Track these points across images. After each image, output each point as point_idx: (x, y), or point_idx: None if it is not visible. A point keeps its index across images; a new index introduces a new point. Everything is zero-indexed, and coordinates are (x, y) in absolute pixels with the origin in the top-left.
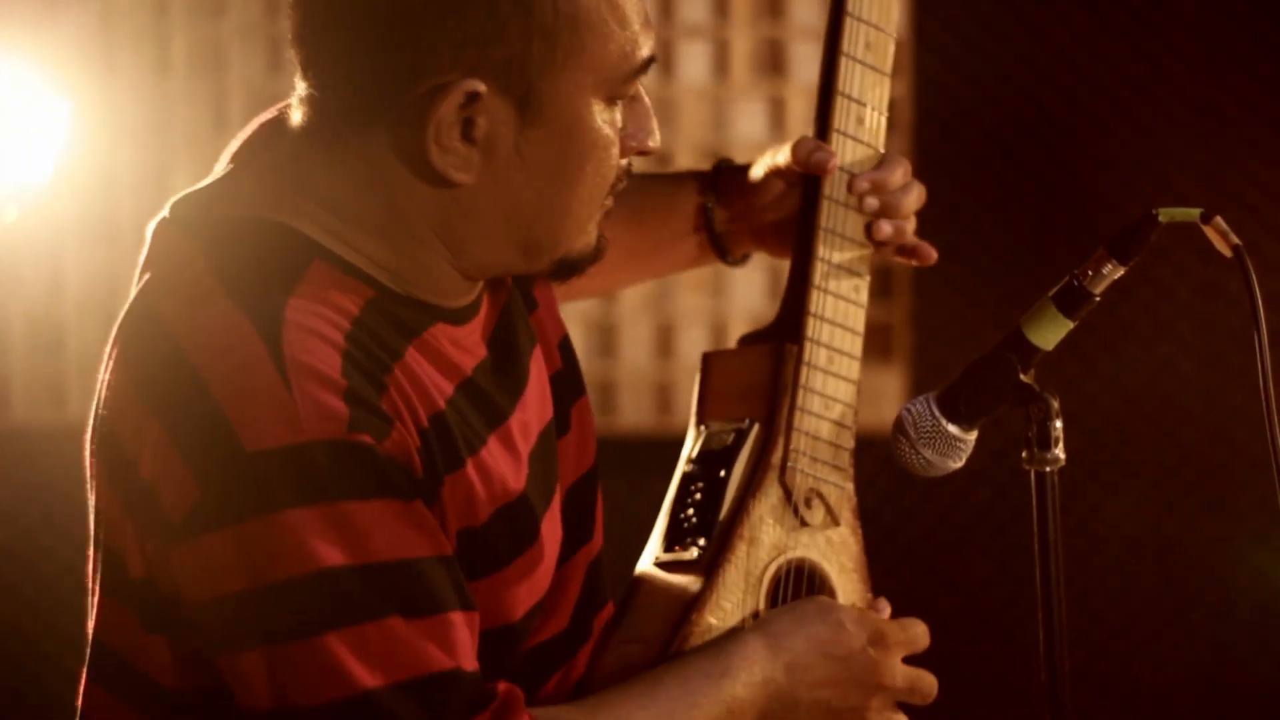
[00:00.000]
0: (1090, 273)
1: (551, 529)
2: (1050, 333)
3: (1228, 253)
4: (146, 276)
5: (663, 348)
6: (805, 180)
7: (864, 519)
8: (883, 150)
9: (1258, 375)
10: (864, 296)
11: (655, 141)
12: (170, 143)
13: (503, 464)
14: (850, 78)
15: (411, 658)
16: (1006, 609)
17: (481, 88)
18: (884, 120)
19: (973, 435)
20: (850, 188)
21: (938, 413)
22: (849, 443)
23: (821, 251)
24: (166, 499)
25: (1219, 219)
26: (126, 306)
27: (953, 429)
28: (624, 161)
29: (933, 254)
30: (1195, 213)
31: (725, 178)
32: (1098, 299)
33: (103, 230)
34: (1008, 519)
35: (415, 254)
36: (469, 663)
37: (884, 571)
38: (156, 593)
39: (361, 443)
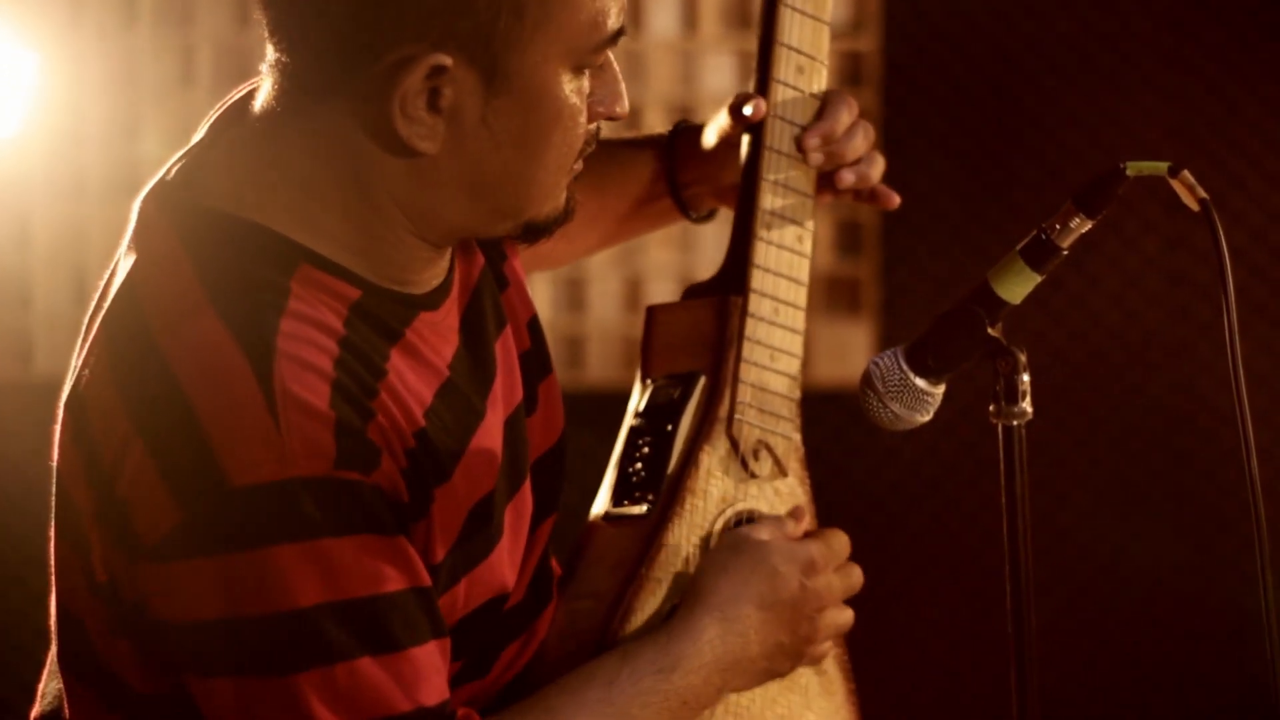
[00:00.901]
0: (1058, 226)
1: (520, 514)
2: (1018, 286)
3: (1195, 206)
4: (131, 260)
5: (631, 302)
6: (748, 133)
7: (832, 473)
8: (821, 95)
9: (1224, 328)
10: (807, 247)
11: (623, 108)
12: (138, 96)
13: (482, 462)
14: (790, 27)
15: (377, 699)
16: (974, 562)
17: (448, 61)
18: (824, 70)
19: (940, 389)
20: (799, 145)
21: (905, 367)
22: (795, 393)
23: (764, 203)
24: (141, 519)
25: (1186, 173)
26: (114, 291)
27: (920, 383)
28: (592, 126)
29: (894, 198)
30: (1163, 166)
31: (683, 140)
32: (1065, 252)
33: (70, 184)
34: (976, 473)
35: (382, 232)
36: (434, 696)
37: (851, 524)
38: (119, 600)
39: (347, 479)
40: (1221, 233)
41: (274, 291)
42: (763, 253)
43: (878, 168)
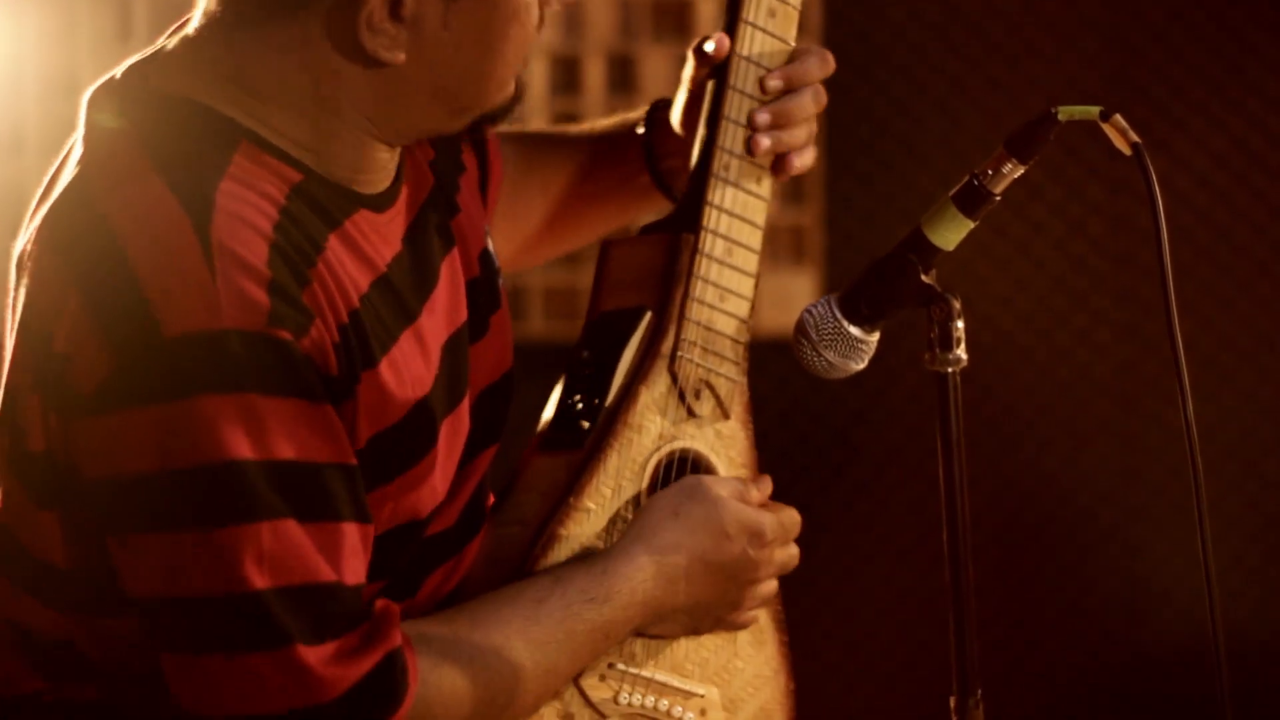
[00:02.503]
0: (990, 172)
1: (455, 430)
2: (951, 233)
3: (1127, 151)
4: (79, 148)
5: None
6: (713, 77)
7: (777, 421)
8: (793, 43)
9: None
10: (766, 190)
11: None
12: (76, 50)
13: (413, 363)
14: None
15: (300, 564)
16: (917, 509)
17: None
18: (796, 15)
19: (874, 337)
20: (763, 87)
21: (839, 314)
22: (744, 336)
23: (724, 141)
24: (78, 371)
25: (1118, 117)
26: (63, 173)
27: (854, 330)
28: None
29: (794, 165)
30: (1094, 110)
31: (659, 115)
32: (998, 198)
33: (8, 139)
34: (920, 420)
35: (338, 132)
36: (353, 576)
37: (796, 473)
38: (53, 467)
39: (279, 338)
40: (1154, 177)
41: (217, 156)
42: (718, 191)
43: (809, 157)
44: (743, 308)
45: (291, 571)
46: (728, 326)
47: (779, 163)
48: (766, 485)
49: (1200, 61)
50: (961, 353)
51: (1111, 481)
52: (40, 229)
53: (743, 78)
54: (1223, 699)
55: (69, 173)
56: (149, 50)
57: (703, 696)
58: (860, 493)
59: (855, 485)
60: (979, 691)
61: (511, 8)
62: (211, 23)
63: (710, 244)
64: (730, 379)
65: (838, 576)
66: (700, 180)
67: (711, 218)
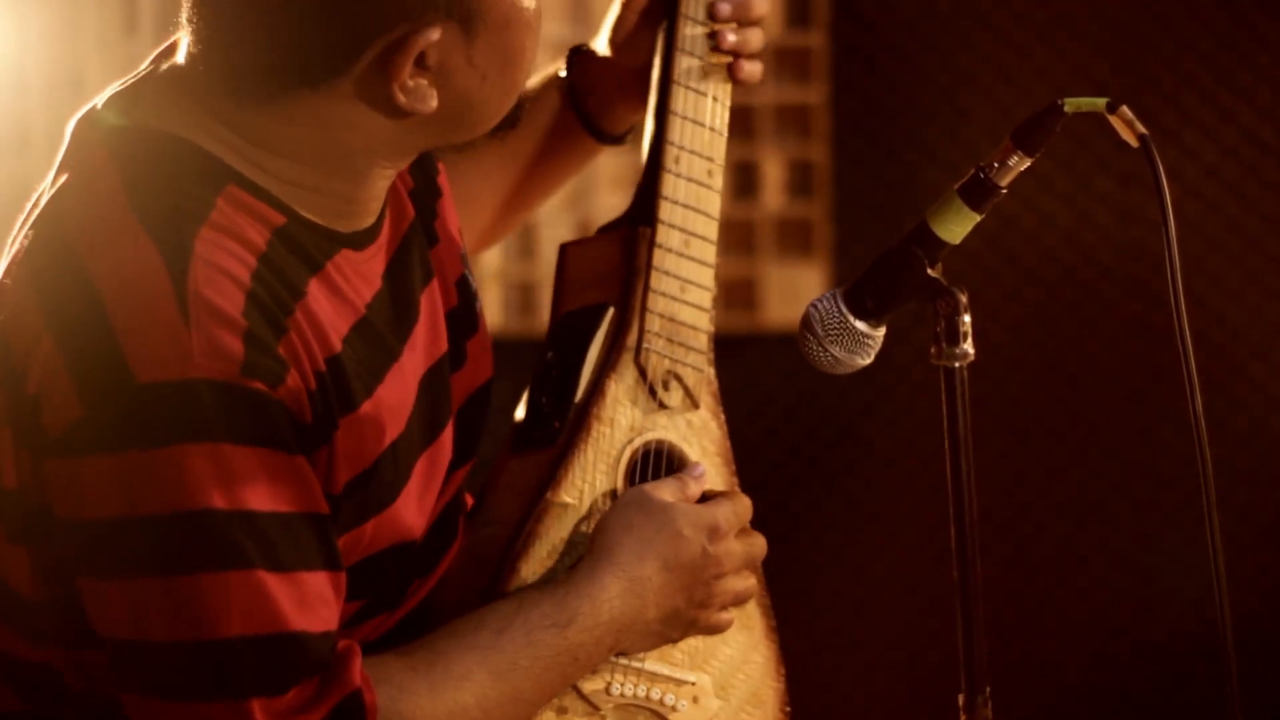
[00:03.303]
0: (996, 164)
1: (435, 462)
2: (957, 226)
3: (1134, 142)
4: (62, 179)
5: None
6: (660, 55)
7: (785, 415)
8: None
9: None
10: (718, 181)
11: None
12: (81, 47)
13: (393, 404)
14: None
15: (267, 614)
16: (927, 503)
17: (436, 35)
18: None
19: (880, 331)
20: (712, 13)
21: (845, 309)
22: (707, 325)
23: (673, 136)
24: (49, 413)
25: (1125, 108)
26: (42, 206)
27: (860, 325)
28: None
29: (745, 71)
30: (1101, 102)
31: (578, 56)
32: (1004, 191)
33: (14, 136)
34: (930, 415)
35: (341, 173)
36: (321, 624)
37: (803, 466)
38: (24, 503)
39: (251, 388)
40: (1161, 168)
41: (197, 202)
42: (671, 185)
43: (759, 69)
44: (704, 298)
45: (258, 621)
46: (691, 317)
47: (732, 68)
48: (703, 475)
49: (1209, 52)
50: (969, 347)
51: (1120, 474)
52: (20, 263)
53: (686, 73)
54: (1232, 695)
55: (50, 194)
56: (134, 76)
57: (694, 684)
58: (868, 488)
59: (863, 481)
60: (987, 689)
61: (523, 22)
62: (210, 70)
63: (667, 236)
64: (697, 369)
65: (845, 572)
66: (653, 175)
67: (666, 210)
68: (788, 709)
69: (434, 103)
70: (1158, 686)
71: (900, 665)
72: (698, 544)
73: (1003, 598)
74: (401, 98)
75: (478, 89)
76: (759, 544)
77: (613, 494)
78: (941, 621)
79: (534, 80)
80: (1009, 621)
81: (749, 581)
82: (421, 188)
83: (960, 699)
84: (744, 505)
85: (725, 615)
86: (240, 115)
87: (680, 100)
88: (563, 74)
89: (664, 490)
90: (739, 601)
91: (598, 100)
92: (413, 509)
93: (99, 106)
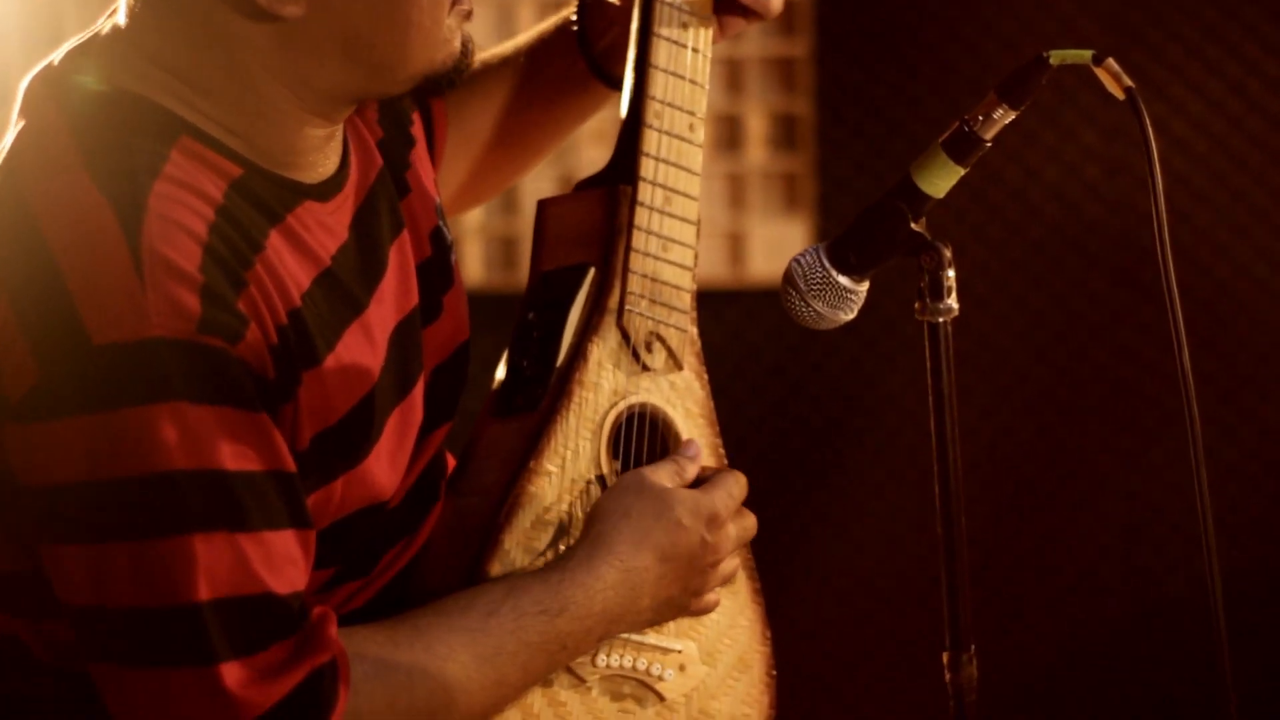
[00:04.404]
0: (980, 117)
1: (406, 418)
2: (941, 179)
3: (1121, 95)
4: (15, 138)
5: None
6: (639, 7)
7: (770, 370)
8: None
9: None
10: (700, 136)
11: None
12: (60, 2)
13: (359, 357)
14: None
15: (234, 575)
16: (911, 461)
17: None
18: None
19: (864, 286)
20: None
21: (828, 264)
22: (690, 284)
23: (654, 90)
24: (5, 377)
25: (1111, 61)
26: None
27: (843, 280)
28: None
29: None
30: (1087, 55)
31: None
32: (989, 144)
33: (48, 41)
34: (915, 369)
35: (263, 110)
36: (289, 585)
37: (789, 422)
38: None
39: (210, 346)
40: (1148, 121)
41: (151, 156)
42: (652, 141)
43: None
44: (687, 256)
45: (225, 583)
46: (673, 276)
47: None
48: (698, 452)
49: (1195, 5)
50: (953, 302)
51: (1107, 430)
52: None
53: (665, 24)
54: (1221, 650)
55: (3, 163)
56: (86, 34)
57: (680, 652)
58: (852, 443)
59: (847, 436)
60: (972, 646)
61: None
62: (136, 8)
63: (649, 194)
64: (680, 329)
65: (830, 531)
66: (633, 131)
67: (648, 168)
68: (774, 672)
69: (295, 7)
70: (1145, 645)
71: (886, 624)
72: (696, 534)
73: (988, 555)
74: None
75: (352, 7)
76: (750, 523)
77: (596, 460)
78: (927, 580)
79: (545, 24)
80: (994, 579)
81: (736, 562)
82: (391, 137)
83: (945, 657)
84: (739, 486)
85: (714, 597)
86: (165, 50)
87: (660, 53)
88: (573, 17)
89: (661, 474)
90: (727, 582)
91: (608, 44)
92: (385, 466)
93: (54, 64)
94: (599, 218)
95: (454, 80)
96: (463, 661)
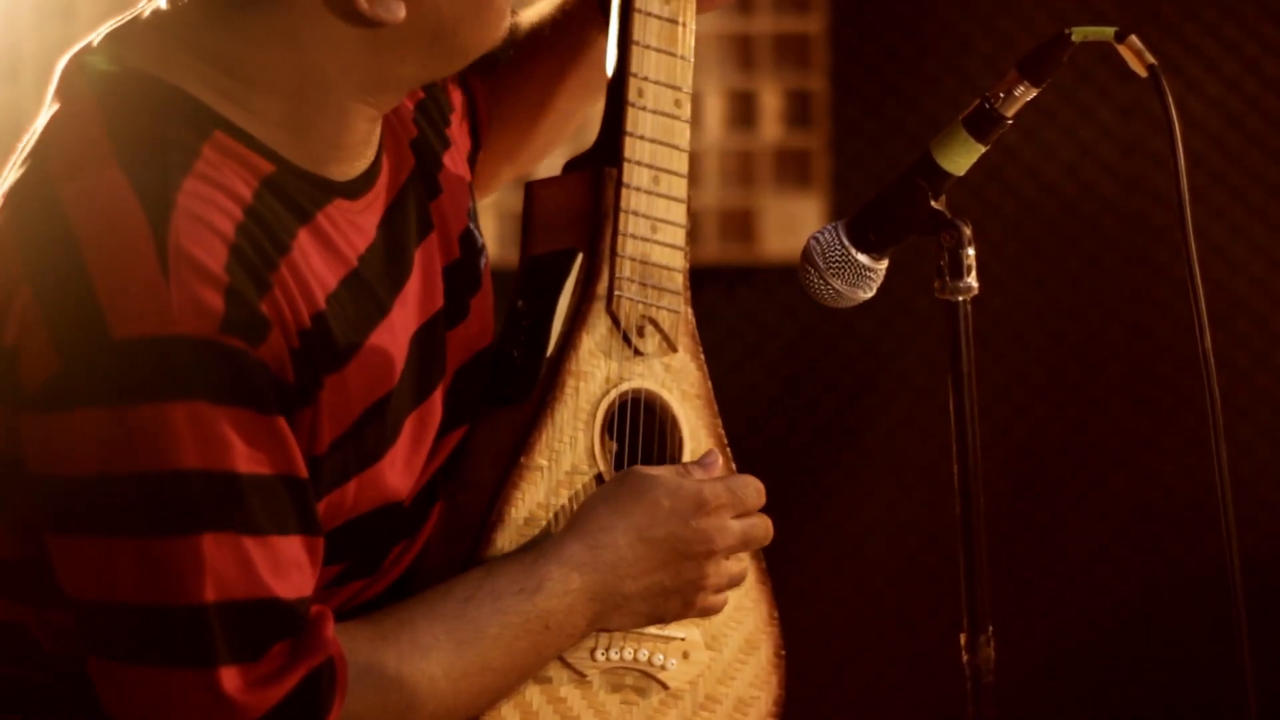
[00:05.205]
0: (1001, 94)
1: (424, 422)
2: (961, 157)
3: (1143, 72)
4: (48, 122)
5: None
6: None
7: (784, 348)
8: None
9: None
10: (686, 111)
11: None
12: None
13: (381, 361)
14: None
15: (240, 579)
16: (929, 439)
17: None
18: None
19: (883, 264)
20: None
21: (846, 241)
22: (681, 264)
23: (636, 67)
24: (25, 366)
25: (1134, 38)
26: (27, 150)
27: (862, 258)
28: None
29: None
30: (1109, 31)
31: None
32: (1009, 121)
33: (4, 67)
34: (931, 348)
35: (323, 106)
36: (295, 590)
37: (803, 401)
38: (0, 458)
39: (231, 346)
40: (1170, 99)
41: (183, 151)
42: (636, 120)
43: None
44: (678, 235)
45: (231, 586)
46: (664, 257)
47: None
48: (715, 463)
49: None
50: (972, 280)
51: (1124, 407)
52: (3, 210)
53: None
54: (1239, 628)
55: (33, 150)
56: (126, 16)
57: (683, 639)
58: (867, 421)
59: (862, 413)
60: (989, 627)
61: None
62: (183, 4)
63: (634, 175)
64: (673, 310)
65: (844, 510)
66: (616, 110)
67: (632, 148)
68: (783, 653)
69: (401, 12)
70: (1162, 624)
71: (900, 605)
72: (680, 518)
73: (1003, 536)
74: (365, 3)
75: (447, 2)
76: (762, 526)
77: (590, 451)
78: (943, 560)
79: None
80: (1009, 560)
81: (743, 565)
82: (425, 136)
83: (962, 638)
84: (747, 488)
85: (718, 598)
86: (217, 44)
87: (641, 28)
88: None
89: (658, 468)
90: (734, 584)
91: None
92: (399, 469)
93: (92, 45)
94: (585, 201)
95: (504, 54)
96: (446, 649)
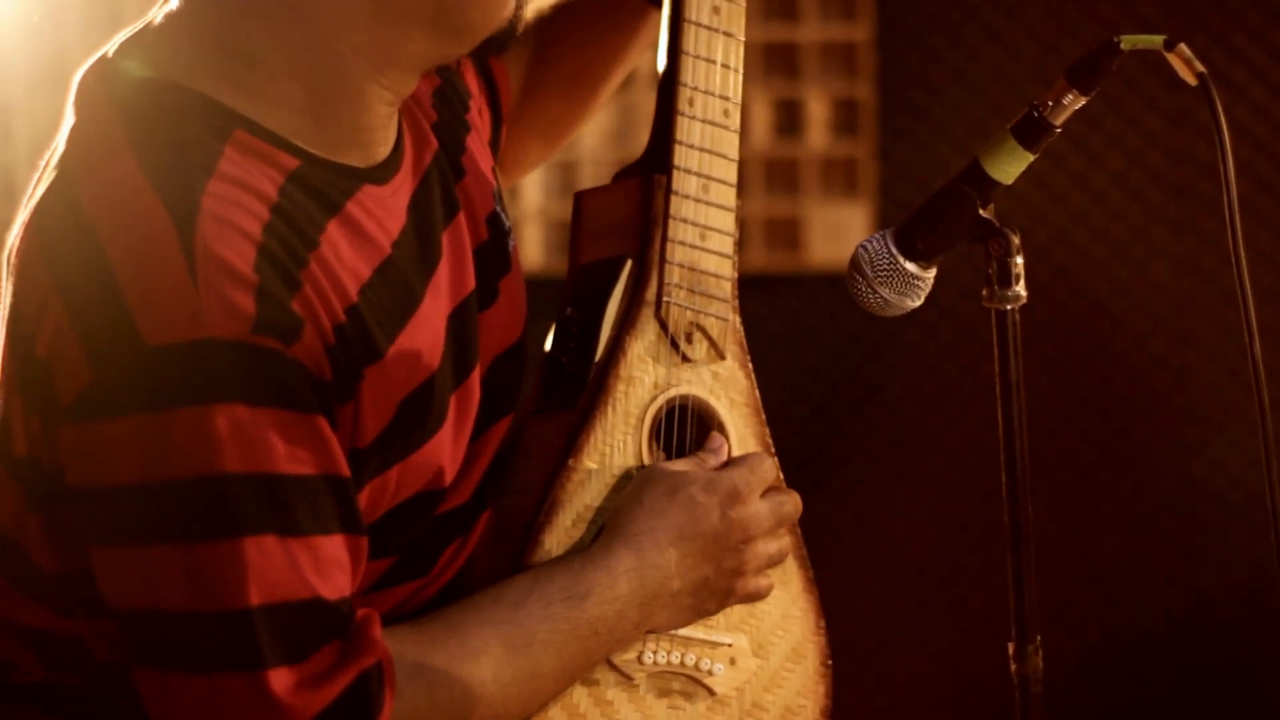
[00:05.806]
0: (1050, 103)
1: (465, 403)
2: (1009, 166)
3: (1192, 81)
4: (70, 134)
5: None
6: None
7: (830, 356)
8: None
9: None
10: (735, 121)
11: None
12: (65, 38)
13: (420, 345)
14: None
15: (284, 580)
16: (973, 447)
17: None
18: None
19: (931, 273)
20: None
21: (894, 250)
22: (730, 272)
23: (686, 77)
24: (59, 378)
25: (1183, 46)
26: (52, 163)
27: (910, 267)
28: None
29: None
30: (1159, 40)
31: None
32: (1058, 130)
33: (51, 74)
34: (977, 356)
35: (338, 87)
36: (337, 590)
37: (848, 408)
38: (38, 471)
39: (264, 346)
40: (1220, 107)
41: (205, 154)
42: (686, 128)
43: None
44: (726, 244)
45: (275, 588)
46: (713, 265)
47: None
48: (722, 447)
49: None
50: (1021, 289)
51: (1171, 417)
52: (27, 226)
53: (697, 9)
54: None
55: (57, 164)
56: (139, 25)
57: (730, 645)
58: (913, 430)
59: (907, 422)
60: (1038, 637)
61: None
62: None
63: (683, 183)
64: (721, 318)
65: (889, 518)
66: (666, 119)
67: (682, 156)
68: (829, 662)
69: None
70: (1209, 635)
71: (947, 612)
72: (715, 510)
73: (1049, 542)
74: None
75: None
76: (790, 502)
77: (638, 455)
78: (989, 569)
79: None
80: (1057, 568)
81: (782, 541)
82: (445, 121)
83: (1010, 648)
84: (764, 466)
85: (764, 580)
86: (230, 33)
87: (692, 39)
88: None
89: (677, 464)
90: (774, 563)
91: None
92: (448, 450)
93: (107, 55)
94: (634, 208)
95: (513, 35)
96: (496, 654)
